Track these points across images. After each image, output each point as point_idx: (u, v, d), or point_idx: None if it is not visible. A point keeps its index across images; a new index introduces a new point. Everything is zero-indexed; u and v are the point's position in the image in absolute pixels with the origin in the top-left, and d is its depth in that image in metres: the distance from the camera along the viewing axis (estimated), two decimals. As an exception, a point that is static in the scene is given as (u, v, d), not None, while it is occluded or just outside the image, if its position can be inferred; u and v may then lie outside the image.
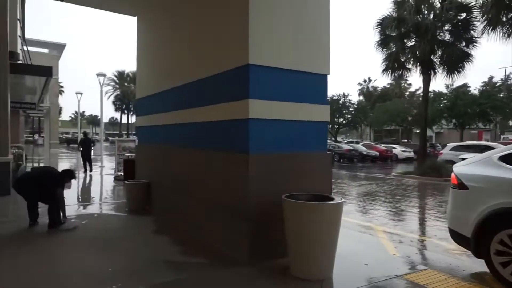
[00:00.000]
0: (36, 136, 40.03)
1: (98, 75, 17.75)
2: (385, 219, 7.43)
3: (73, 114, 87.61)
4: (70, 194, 9.38)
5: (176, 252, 4.54)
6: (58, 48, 38.67)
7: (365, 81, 62.99)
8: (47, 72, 10.36)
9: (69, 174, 5.89)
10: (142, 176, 7.53)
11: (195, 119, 5.21)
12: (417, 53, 16.61)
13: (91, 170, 14.68)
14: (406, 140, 44.65)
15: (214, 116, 4.71)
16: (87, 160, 14.77)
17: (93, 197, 9.21)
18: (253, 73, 4.13)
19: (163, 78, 6.50)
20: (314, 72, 4.65)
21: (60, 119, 57.29)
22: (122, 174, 11.53)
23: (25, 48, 16.69)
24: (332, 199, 3.95)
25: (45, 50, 36.27)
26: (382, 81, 61.92)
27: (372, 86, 62.77)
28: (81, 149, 15.06)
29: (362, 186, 12.58)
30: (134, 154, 12.53)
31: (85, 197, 9.29)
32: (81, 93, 28.20)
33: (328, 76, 4.80)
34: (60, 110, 52.70)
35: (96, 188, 11.04)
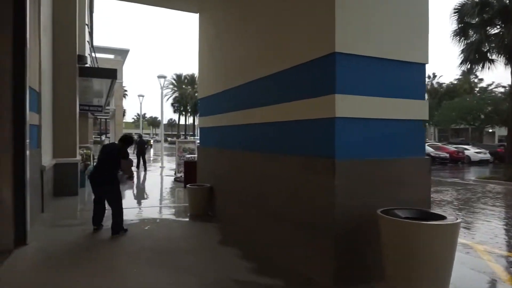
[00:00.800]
0: (103, 137, 42.72)
1: (159, 77, 18.09)
2: (483, 235, 6.31)
3: (135, 116, 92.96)
4: (132, 195, 9.38)
5: (247, 269, 4.00)
6: (122, 53, 40.89)
7: (429, 77, 58.79)
8: (112, 74, 10.53)
9: (127, 140, 5.71)
10: (204, 180, 7.17)
11: (267, 119, 4.63)
12: (505, 41, 14.55)
13: (145, 170, 15.30)
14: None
15: (291, 115, 4.09)
16: (142, 159, 15.67)
17: (154, 199, 9.08)
18: (341, 63, 3.46)
19: (229, 75, 6.04)
20: (411, 61, 3.86)
21: (124, 121, 60.79)
22: (182, 175, 11.44)
23: (93, 54, 17.51)
24: (442, 216, 3.17)
25: (111, 56, 38.46)
26: (449, 76, 57.29)
27: (437, 82, 58.44)
28: (135, 149, 15.91)
29: (439, 193, 11.24)
30: (194, 155, 12.42)
31: (146, 199, 9.21)
32: (143, 96, 29.29)
33: (426, 65, 3.99)
34: (124, 112, 55.87)
35: (157, 189, 11.00)
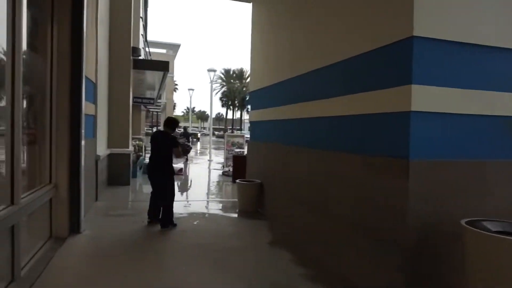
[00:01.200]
0: (154, 129, 44.42)
1: (209, 70, 18.18)
2: None
3: (185, 109, 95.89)
4: (181, 188, 9.42)
5: (302, 277, 3.68)
6: (174, 48, 42.11)
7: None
8: (164, 67, 10.64)
9: (172, 123, 5.51)
10: (254, 175, 6.93)
11: (326, 113, 4.25)
12: None
13: (186, 160, 15.74)
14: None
15: (355, 108, 3.67)
16: None
17: (202, 193, 9.03)
18: (419, 49, 2.98)
19: (284, 66, 5.70)
20: (504, 47, 3.27)
21: (174, 114, 62.77)
22: (230, 169, 11.34)
23: (147, 49, 18.00)
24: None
25: (163, 50, 39.72)
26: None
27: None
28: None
29: None
30: (243, 150, 12.30)
31: (194, 192, 9.18)
32: (192, 89, 29.85)
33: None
34: (174, 106, 57.67)
35: (205, 183, 10.99)
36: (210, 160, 16.92)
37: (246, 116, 71.57)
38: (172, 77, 42.96)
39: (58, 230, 4.54)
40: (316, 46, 4.64)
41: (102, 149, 7.82)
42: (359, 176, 3.57)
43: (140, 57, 10.16)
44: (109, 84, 8.78)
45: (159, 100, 25.14)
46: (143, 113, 28.94)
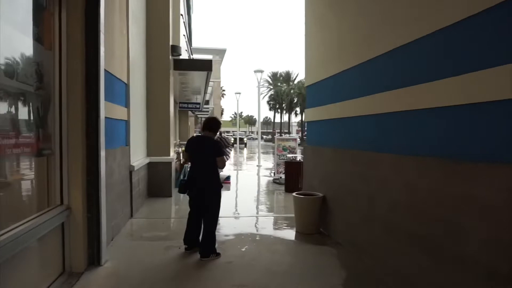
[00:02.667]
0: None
1: (256, 71, 17.13)
2: None
3: (232, 115, 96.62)
4: (225, 200, 8.33)
5: None
6: (220, 53, 41.93)
7: None
8: (207, 66, 9.75)
9: (214, 125, 4.34)
10: (313, 186, 5.66)
11: (432, 103, 2.87)
12: None
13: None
14: None
15: (479, 93, 2.28)
16: None
17: (251, 206, 7.88)
18: None
19: (354, 46, 4.39)
20: None
21: (222, 119, 62.99)
22: (282, 177, 10.14)
23: (191, 56, 17.43)
24: None
25: (210, 56, 39.63)
26: None
27: None
28: None
29: None
30: (295, 155, 11.04)
31: (242, 204, 8.05)
32: (239, 93, 29.08)
33: None
34: (222, 111, 57.83)
35: (254, 192, 9.82)
36: (259, 166, 15.82)
37: (294, 119, 70.08)
38: (219, 82, 42.86)
39: (73, 263, 3.61)
40: (405, 14, 3.28)
41: (139, 158, 6.98)
42: (503, 198, 2.18)
43: (181, 57, 9.32)
44: (147, 86, 7.99)
45: (206, 106, 24.66)
46: (192, 119, 28.73)
